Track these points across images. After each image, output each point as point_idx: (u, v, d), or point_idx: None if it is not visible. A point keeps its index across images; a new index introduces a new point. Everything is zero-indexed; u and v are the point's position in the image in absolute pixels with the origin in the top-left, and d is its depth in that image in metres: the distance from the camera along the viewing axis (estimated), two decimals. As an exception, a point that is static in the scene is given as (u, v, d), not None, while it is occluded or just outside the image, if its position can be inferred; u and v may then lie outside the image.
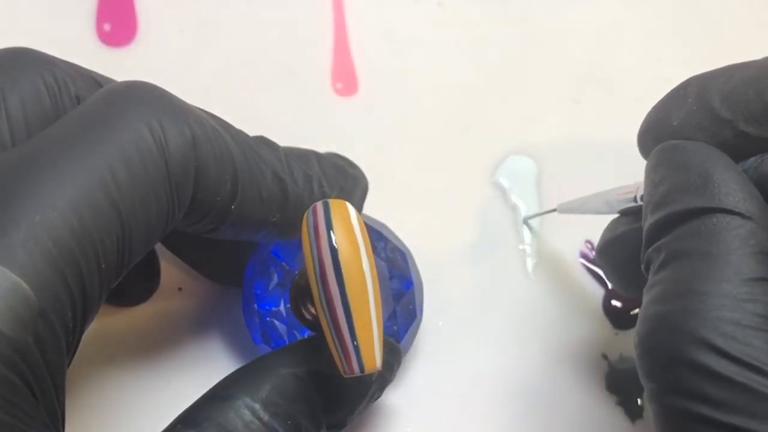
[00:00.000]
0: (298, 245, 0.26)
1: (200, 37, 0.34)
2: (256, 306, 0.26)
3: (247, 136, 0.22)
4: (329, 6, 0.35)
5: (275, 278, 0.27)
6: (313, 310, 0.23)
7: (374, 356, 0.20)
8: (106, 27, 0.33)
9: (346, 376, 0.20)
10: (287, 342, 0.26)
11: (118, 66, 0.32)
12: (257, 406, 0.20)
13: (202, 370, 0.28)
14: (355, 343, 0.20)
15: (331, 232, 0.19)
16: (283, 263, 0.27)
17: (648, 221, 0.20)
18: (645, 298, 0.19)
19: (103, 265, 0.18)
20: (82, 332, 0.18)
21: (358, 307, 0.19)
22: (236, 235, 0.22)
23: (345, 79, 0.33)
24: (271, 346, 0.26)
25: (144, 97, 0.19)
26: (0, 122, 0.18)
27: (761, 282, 0.17)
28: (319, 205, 0.20)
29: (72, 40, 0.33)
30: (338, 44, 0.34)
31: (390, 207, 0.29)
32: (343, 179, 0.25)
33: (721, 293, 0.17)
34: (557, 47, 0.35)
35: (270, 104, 0.33)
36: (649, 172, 0.21)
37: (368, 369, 0.20)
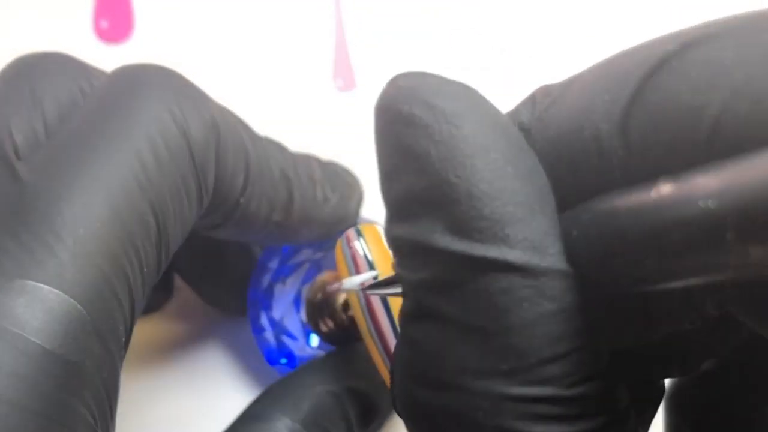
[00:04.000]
0: (297, 263, 0.26)
1: (198, 34, 0.33)
2: (264, 324, 0.26)
3: (255, 131, 0.22)
4: (330, 1, 0.34)
5: (281, 296, 0.27)
6: (330, 324, 0.23)
7: None
8: (103, 24, 0.33)
9: None
10: (296, 355, 0.26)
11: (115, 63, 0.32)
12: (298, 427, 0.20)
13: (210, 380, 0.28)
14: None
15: (373, 265, 0.19)
16: (286, 279, 0.27)
17: (387, 227, 0.14)
18: (397, 349, 0.14)
19: (146, 269, 0.17)
20: (128, 343, 0.17)
21: None
22: (238, 235, 0.22)
23: (344, 74, 0.33)
24: (284, 363, 0.26)
25: (160, 81, 0.19)
26: (37, 125, 0.18)
27: (560, 362, 0.12)
28: (352, 233, 0.20)
29: (69, 37, 0.33)
30: (338, 40, 0.34)
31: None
32: (343, 186, 0.25)
33: (499, 393, 0.12)
34: (559, 45, 0.35)
35: (269, 100, 0.33)
36: (377, 140, 0.14)
37: None
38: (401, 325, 0.14)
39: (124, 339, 0.17)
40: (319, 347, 0.26)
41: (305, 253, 0.27)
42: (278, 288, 0.26)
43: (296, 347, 0.26)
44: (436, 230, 0.12)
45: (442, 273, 0.12)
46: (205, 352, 0.28)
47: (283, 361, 0.26)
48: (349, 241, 0.20)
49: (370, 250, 0.20)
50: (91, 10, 0.33)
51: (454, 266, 0.12)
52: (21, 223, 0.16)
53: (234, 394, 0.28)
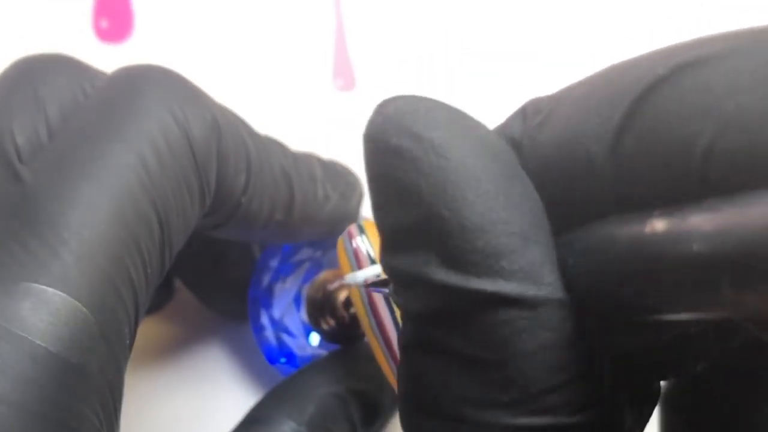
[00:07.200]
0: (298, 261, 0.26)
1: (198, 34, 0.33)
2: (264, 322, 0.26)
3: (255, 130, 0.22)
4: (330, 1, 0.35)
5: (281, 295, 0.27)
6: (332, 322, 0.24)
7: None
8: (103, 23, 0.33)
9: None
10: (296, 354, 0.26)
11: (115, 63, 0.32)
12: (304, 430, 0.21)
13: (210, 381, 0.28)
14: None
15: (375, 260, 0.20)
16: (286, 278, 0.27)
17: (382, 256, 0.14)
18: (399, 379, 0.14)
19: (149, 270, 0.17)
20: (132, 345, 0.17)
21: None
22: (240, 234, 0.22)
23: (344, 75, 0.33)
24: (284, 362, 0.26)
25: (161, 82, 0.19)
26: (39, 126, 0.18)
27: (560, 391, 0.12)
28: (355, 229, 0.20)
29: (69, 36, 0.33)
30: (338, 40, 0.34)
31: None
32: (344, 185, 0.25)
33: (502, 424, 0.12)
34: (560, 46, 0.35)
35: (269, 100, 0.33)
36: (367, 171, 0.14)
37: None
38: (401, 355, 0.13)
39: (128, 341, 0.17)
40: (320, 346, 0.26)
41: (305, 252, 0.27)
42: (278, 287, 0.26)
43: (296, 346, 0.26)
44: (431, 263, 0.12)
45: (440, 306, 0.12)
46: (206, 352, 0.28)
47: (283, 360, 0.26)
48: (351, 237, 0.20)
49: (372, 246, 0.20)
50: (91, 10, 0.33)
51: (451, 299, 0.12)
52: (24, 225, 0.15)
53: (234, 394, 0.28)
